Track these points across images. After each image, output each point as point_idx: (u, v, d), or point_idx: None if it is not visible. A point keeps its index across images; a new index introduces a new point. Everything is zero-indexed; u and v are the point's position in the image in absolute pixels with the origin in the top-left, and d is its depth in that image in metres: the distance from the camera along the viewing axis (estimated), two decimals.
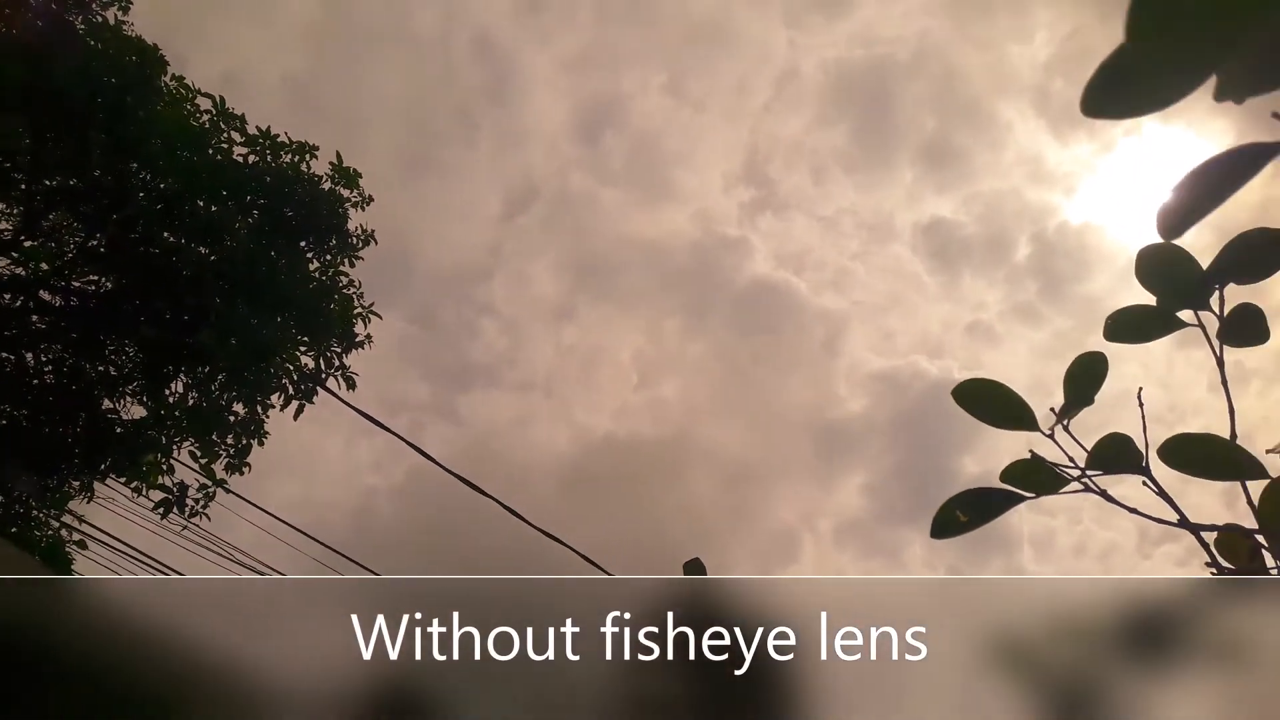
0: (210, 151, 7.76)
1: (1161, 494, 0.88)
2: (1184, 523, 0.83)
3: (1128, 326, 0.86)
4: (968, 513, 0.83)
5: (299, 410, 8.05)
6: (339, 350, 8.20)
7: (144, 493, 8.15)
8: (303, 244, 8.11)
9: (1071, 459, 0.93)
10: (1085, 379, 0.93)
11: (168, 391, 8.11)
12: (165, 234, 7.73)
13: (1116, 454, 0.91)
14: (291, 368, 8.03)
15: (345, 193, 8.20)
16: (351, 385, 8.16)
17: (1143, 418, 0.94)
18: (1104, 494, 0.86)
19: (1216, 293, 0.77)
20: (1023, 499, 0.84)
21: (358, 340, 8.25)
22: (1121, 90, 0.51)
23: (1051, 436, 0.88)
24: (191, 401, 8.09)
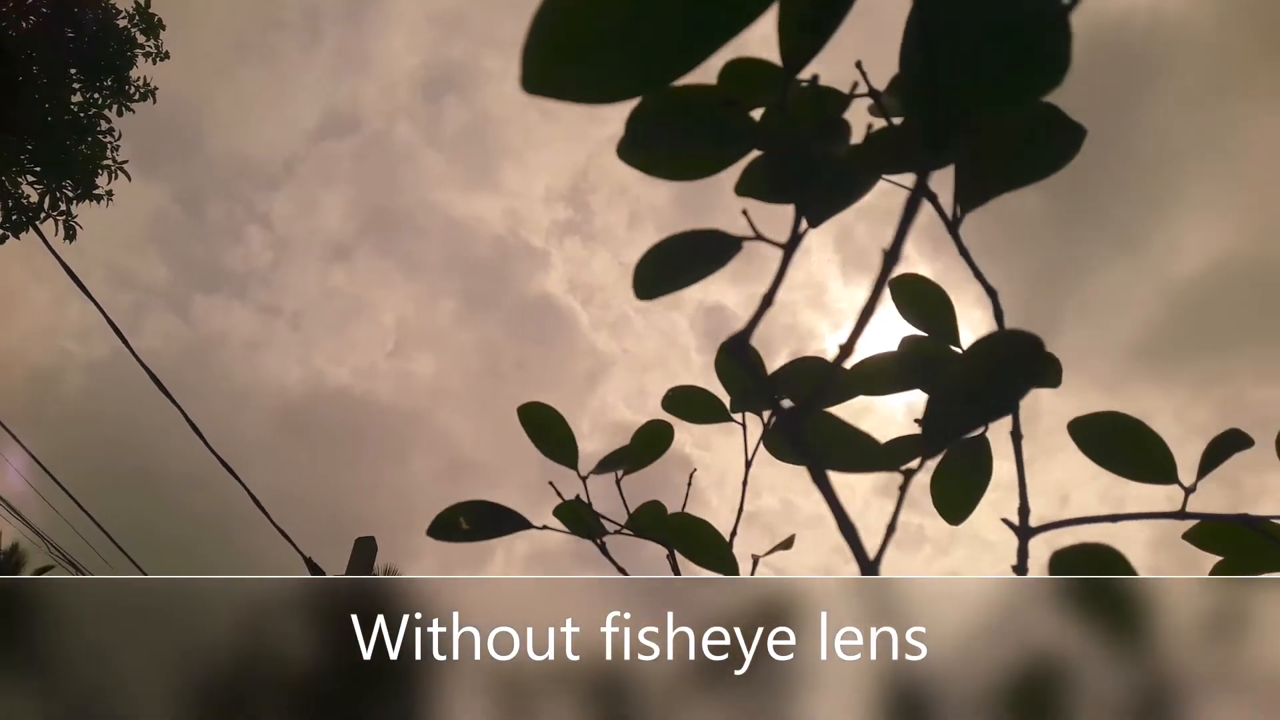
0: None
1: (670, 557, 0.92)
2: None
3: (683, 403, 0.90)
4: (471, 522, 0.83)
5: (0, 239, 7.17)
6: (71, 195, 7.39)
7: None
8: (73, 71, 7.29)
9: (614, 518, 0.96)
10: (646, 445, 0.96)
11: None
12: None
13: (649, 521, 0.95)
14: (11, 191, 7.15)
15: (142, 39, 7.47)
16: (71, 236, 7.36)
17: (687, 489, 0.99)
18: (602, 548, 0.90)
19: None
20: (528, 526, 0.86)
21: (96, 193, 7.46)
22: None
23: (583, 480, 0.91)
24: None
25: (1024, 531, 0.61)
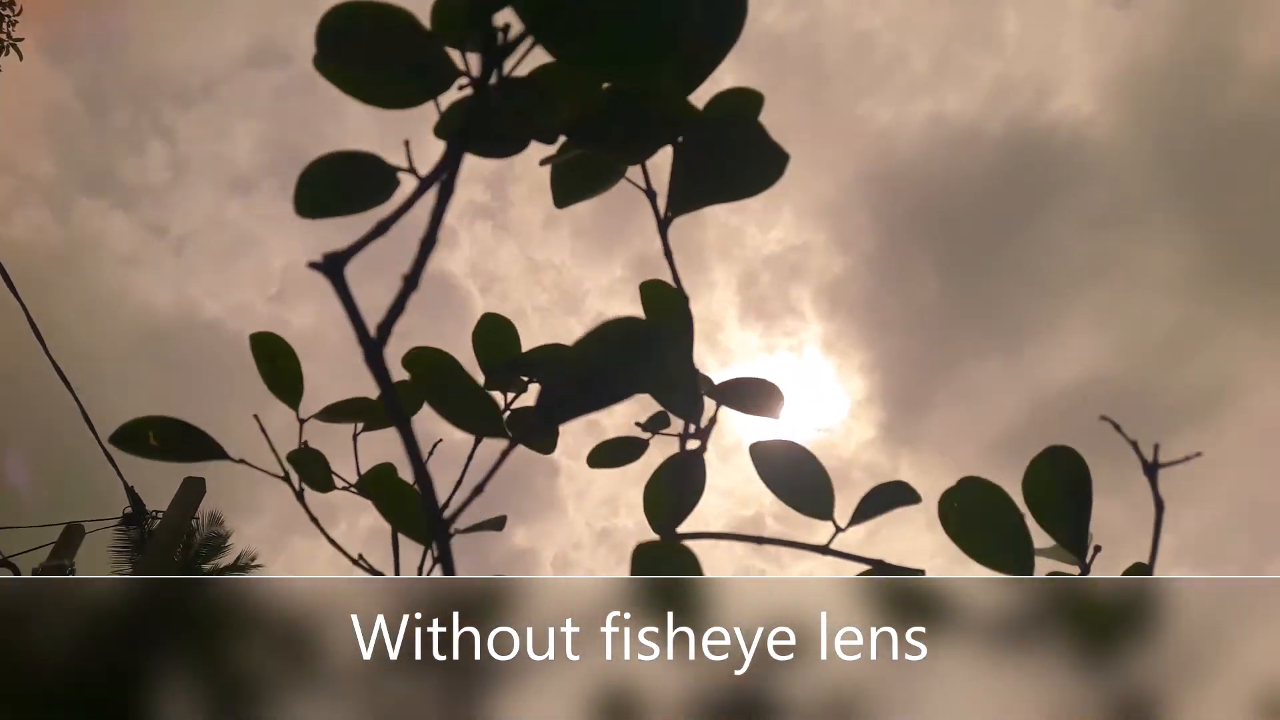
0: None
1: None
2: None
3: (423, 366, 0.87)
4: (160, 440, 0.78)
5: None
6: None
7: None
8: None
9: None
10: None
11: None
12: None
13: (376, 482, 0.91)
14: None
15: None
16: None
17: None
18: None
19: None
20: (223, 456, 0.82)
21: None
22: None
23: (301, 422, 0.87)
24: None
25: (666, 533, 0.61)
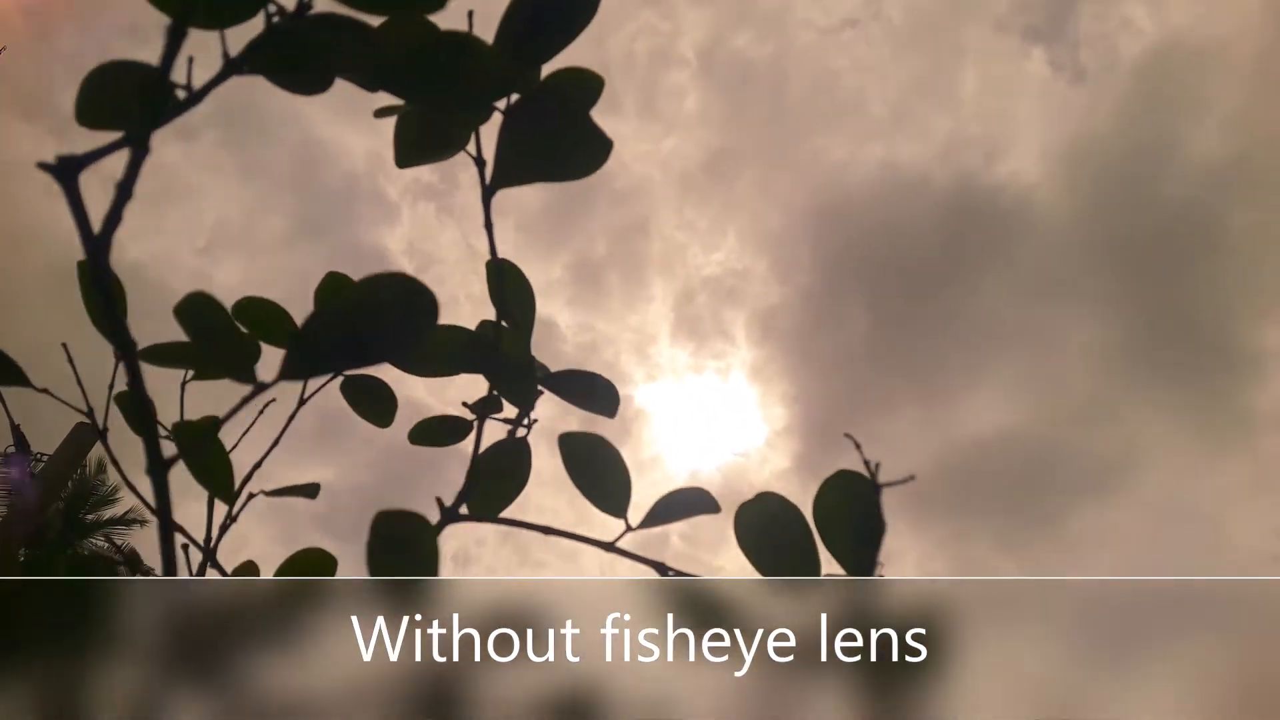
0: None
1: None
2: None
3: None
4: None
5: None
6: None
7: None
8: None
9: None
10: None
11: None
12: None
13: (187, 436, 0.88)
14: None
15: None
16: None
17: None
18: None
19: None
20: (29, 386, 0.78)
21: None
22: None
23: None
24: None
25: (447, 514, 0.59)
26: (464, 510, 0.60)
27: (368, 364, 0.46)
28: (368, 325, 0.44)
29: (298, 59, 0.46)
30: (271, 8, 0.48)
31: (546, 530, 0.61)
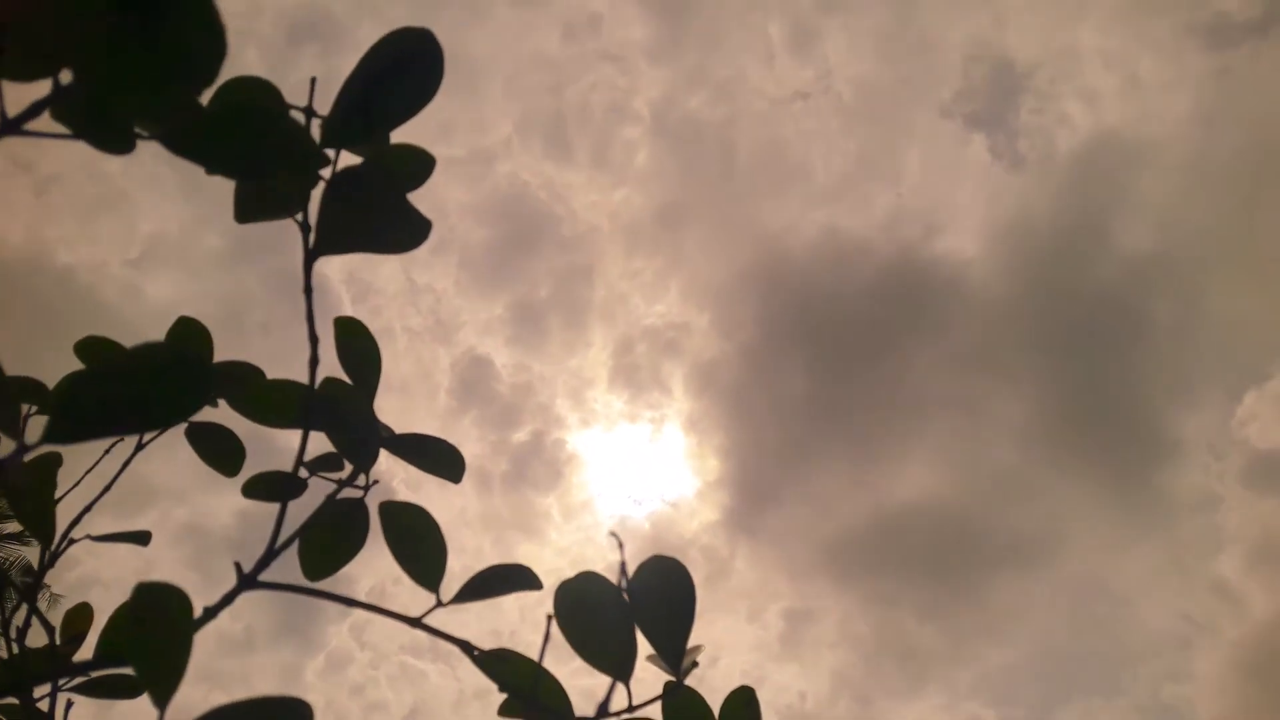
0: None
1: None
2: None
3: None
4: None
5: None
6: None
7: None
8: None
9: None
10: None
11: None
12: None
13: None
14: None
15: None
16: None
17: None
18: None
19: None
20: None
21: None
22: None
23: None
24: None
25: (244, 581, 0.58)
26: (261, 578, 0.58)
27: (134, 432, 0.45)
28: (133, 394, 0.43)
29: (90, 120, 0.46)
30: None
31: (349, 602, 0.60)
